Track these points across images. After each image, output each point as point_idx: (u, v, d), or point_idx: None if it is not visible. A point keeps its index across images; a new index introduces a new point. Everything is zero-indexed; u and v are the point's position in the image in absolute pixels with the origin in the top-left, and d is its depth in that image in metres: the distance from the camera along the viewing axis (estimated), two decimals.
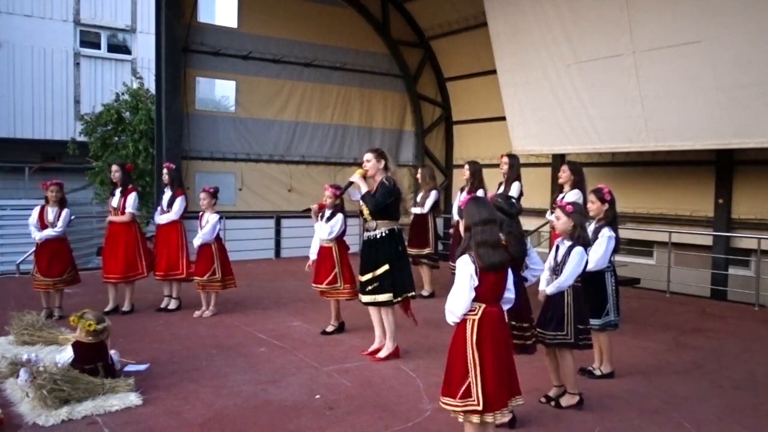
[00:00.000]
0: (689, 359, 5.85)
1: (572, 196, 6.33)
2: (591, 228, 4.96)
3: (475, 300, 3.36)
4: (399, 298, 5.50)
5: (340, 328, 6.54)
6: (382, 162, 5.49)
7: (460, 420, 3.42)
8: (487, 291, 3.36)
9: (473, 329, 3.35)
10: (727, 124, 8.21)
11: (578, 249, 4.38)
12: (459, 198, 6.73)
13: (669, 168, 10.54)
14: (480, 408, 3.29)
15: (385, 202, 5.40)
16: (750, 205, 9.71)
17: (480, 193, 7.71)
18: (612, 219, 4.99)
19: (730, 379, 5.30)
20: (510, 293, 3.51)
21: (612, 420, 4.34)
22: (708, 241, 10.01)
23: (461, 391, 3.32)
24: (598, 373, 5.12)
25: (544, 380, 4.89)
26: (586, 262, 4.48)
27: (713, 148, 9.19)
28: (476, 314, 3.36)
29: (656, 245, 10.87)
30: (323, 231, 6.28)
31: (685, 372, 5.46)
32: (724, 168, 9.93)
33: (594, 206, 5.03)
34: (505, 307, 3.56)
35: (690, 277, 9.95)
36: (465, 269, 3.34)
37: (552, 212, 6.57)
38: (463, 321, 3.39)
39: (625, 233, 10.50)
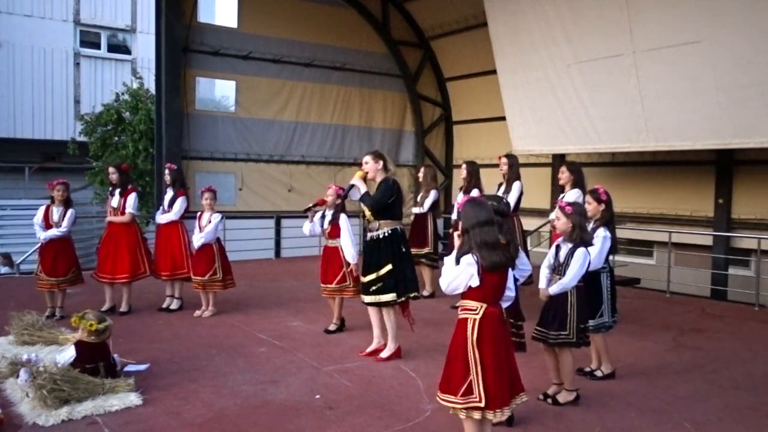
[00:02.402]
0: (689, 359, 5.85)
1: (572, 195, 6.33)
2: (589, 228, 4.98)
3: (477, 300, 3.40)
4: (402, 298, 5.51)
5: (342, 327, 6.55)
6: (380, 162, 5.51)
7: (462, 416, 3.45)
8: (488, 291, 3.40)
9: (474, 329, 3.38)
10: (727, 124, 8.21)
11: (581, 250, 4.45)
12: (458, 199, 6.74)
13: (669, 168, 10.54)
14: (482, 405, 3.34)
15: (384, 200, 5.41)
16: (750, 205, 9.71)
17: (475, 192, 7.70)
18: (609, 219, 5.02)
19: (730, 379, 5.30)
20: (510, 291, 3.56)
21: (612, 420, 4.34)
22: (708, 241, 10.01)
23: (462, 389, 3.36)
24: (599, 374, 5.12)
25: (543, 380, 4.89)
26: (589, 263, 4.51)
27: (713, 148, 9.19)
28: (477, 314, 3.39)
29: (656, 245, 10.87)
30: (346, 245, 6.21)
31: (685, 372, 5.46)
32: (724, 168, 9.93)
33: (591, 207, 5.05)
34: (505, 305, 3.60)
35: (690, 277, 9.94)
36: (468, 269, 3.36)
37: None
38: (464, 320, 3.43)
39: (625, 233, 10.51)
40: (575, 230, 4.49)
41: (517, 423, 4.16)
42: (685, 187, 10.41)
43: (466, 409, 3.39)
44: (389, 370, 5.34)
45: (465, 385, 3.36)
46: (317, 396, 4.70)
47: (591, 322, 4.91)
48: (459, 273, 3.38)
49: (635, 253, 10.99)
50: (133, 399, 4.48)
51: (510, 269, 3.55)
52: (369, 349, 5.79)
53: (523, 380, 4.93)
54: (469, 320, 3.41)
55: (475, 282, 3.36)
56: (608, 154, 10.85)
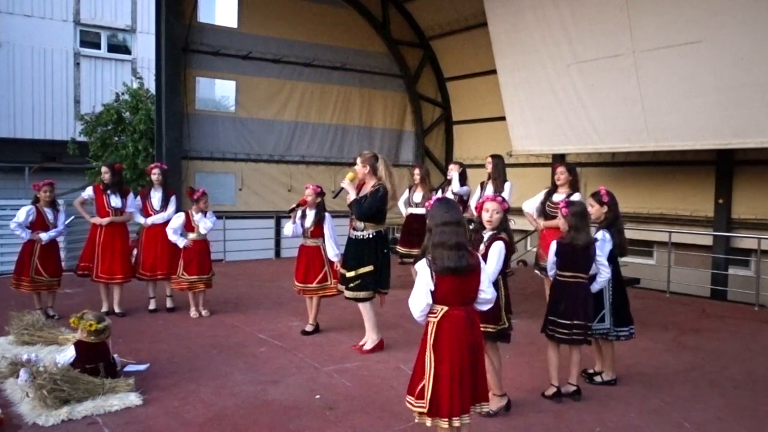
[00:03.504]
0: (689, 359, 5.85)
1: (576, 198, 6.31)
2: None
3: (436, 302, 3.29)
4: (375, 295, 5.73)
5: (317, 328, 6.53)
6: (367, 167, 5.60)
7: (416, 420, 3.39)
8: (446, 294, 3.27)
9: (432, 332, 3.30)
10: (727, 124, 8.21)
11: (551, 244, 4.74)
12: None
13: (669, 168, 10.54)
14: (425, 411, 3.25)
15: (370, 211, 5.55)
16: (750, 205, 9.71)
17: (465, 189, 7.94)
18: (612, 221, 5.00)
19: (730, 379, 5.30)
20: (485, 294, 3.37)
21: (612, 420, 4.34)
22: (708, 241, 10.01)
23: (417, 391, 3.32)
24: (598, 379, 5.09)
25: (543, 380, 4.89)
26: (557, 254, 4.68)
27: (713, 148, 9.18)
28: (436, 317, 3.29)
29: (656, 245, 10.87)
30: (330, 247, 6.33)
31: (685, 372, 5.46)
32: (724, 168, 9.93)
33: (593, 209, 5.05)
34: (484, 308, 3.45)
35: (690, 277, 9.95)
36: (422, 272, 3.29)
37: (540, 208, 6.70)
38: (427, 322, 3.35)
39: (626, 233, 10.49)
40: (570, 231, 4.66)
41: (518, 422, 4.16)
42: (685, 187, 10.41)
43: (418, 413, 3.31)
44: (389, 370, 5.34)
45: (419, 388, 3.30)
46: (317, 396, 4.70)
47: (593, 326, 4.91)
48: (419, 286, 3.27)
49: (635, 253, 10.97)
50: (133, 399, 4.48)
51: (482, 271, 3.37)
52: (361, 342, 5.93)
53: (524, 381, 4.96)
54: (429, 323, 3.32)
55: (431, 285, 3.25)
56: (608, 154, 10.85)
